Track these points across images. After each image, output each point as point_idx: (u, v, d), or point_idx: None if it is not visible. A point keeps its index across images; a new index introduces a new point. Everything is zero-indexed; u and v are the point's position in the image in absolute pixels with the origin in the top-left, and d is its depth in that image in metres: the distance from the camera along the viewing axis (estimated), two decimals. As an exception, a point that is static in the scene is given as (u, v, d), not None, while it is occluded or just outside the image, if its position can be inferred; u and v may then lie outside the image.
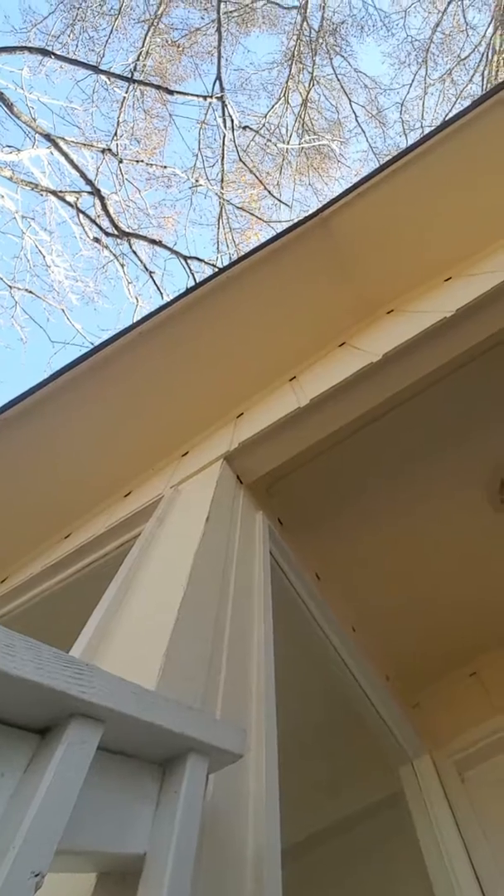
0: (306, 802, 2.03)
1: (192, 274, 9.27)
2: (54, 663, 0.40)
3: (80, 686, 0.41)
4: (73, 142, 8.40)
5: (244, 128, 9.86)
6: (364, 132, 11.34)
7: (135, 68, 9.57)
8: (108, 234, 8.77)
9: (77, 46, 9.59)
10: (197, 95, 9.42)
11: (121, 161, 9.08)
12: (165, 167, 9.96)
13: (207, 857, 0.53)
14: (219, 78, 9.34)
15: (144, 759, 0.50)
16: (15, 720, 0.41)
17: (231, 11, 10.45)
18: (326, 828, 1.96)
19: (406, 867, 1.71)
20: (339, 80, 10.99)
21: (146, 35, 9.67)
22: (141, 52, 9.56)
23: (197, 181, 9.80)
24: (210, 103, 9.48)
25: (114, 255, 9.18)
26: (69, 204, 8.36)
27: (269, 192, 10.34)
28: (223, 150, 9.77)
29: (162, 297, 9.53)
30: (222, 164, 9.92)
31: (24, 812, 0.35)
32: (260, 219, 10.39)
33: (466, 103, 1.95)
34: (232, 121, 9.41)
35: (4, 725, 0.40)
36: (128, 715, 0.44)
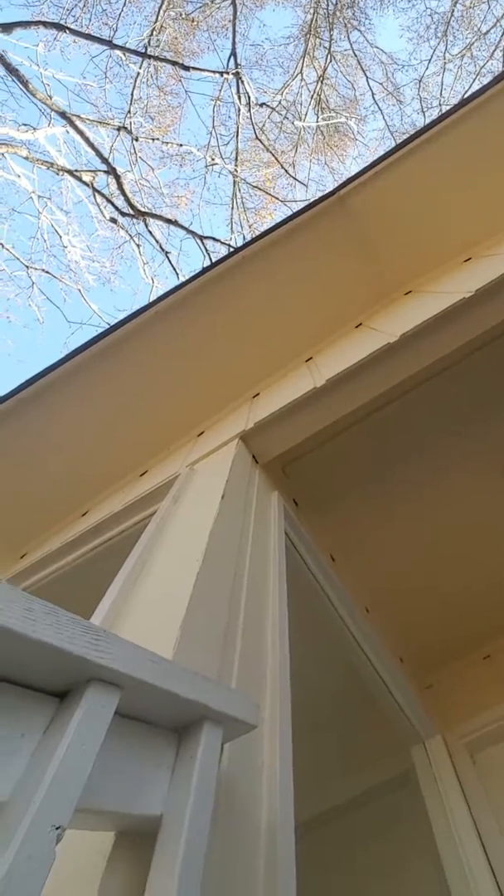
0: (318, 779, 2.06)
1: (208, 254, 9.21)
2: (73, 628, 0.41)
3: (98, 651, 0.42)
4: (88, 119, 8.32)
5: (260, 104, 9.70)
6: (381, 110, 11.09)
7: (149, 43, 9.41)
8: (123, 214, 8.72)
9: (90, 20, 9.42)
10: (212, 71, 9.26)
11: (136, 139, 8.99)
12: (181, 145, 9.84)
13: (221, 826, 0.54)
14: (234, 53, 9.17)
15: (160, 726, 0.51)
16: (34, 683, 0.42)
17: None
18: (338, 805, 1.99)
19: (416, 846, 1.73)
20: (356, 55, 10.73)
21: (160, 8, 9.48)
22: (154, 27, 9.38)
23: (212, 159, 9.68)
24: (226, 79, 9.32)
25: (129, 235, 9.14)
26: (85, 183, 8.32)
27: (286, 170, 10.19)
28: (238, 127, 9.62)
29: (178, 278, 9.50)
30: (237, 142, 9.78)
31: (45, 770, 0.36)
32: (275, 198, 10.25)
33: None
34: (248, 97, 9.25)
35: (24, 688, 0.41)
36: (144, 681, 0.45)
